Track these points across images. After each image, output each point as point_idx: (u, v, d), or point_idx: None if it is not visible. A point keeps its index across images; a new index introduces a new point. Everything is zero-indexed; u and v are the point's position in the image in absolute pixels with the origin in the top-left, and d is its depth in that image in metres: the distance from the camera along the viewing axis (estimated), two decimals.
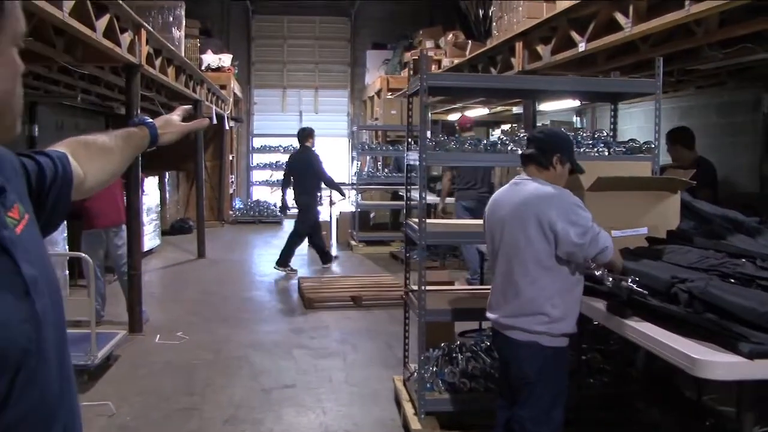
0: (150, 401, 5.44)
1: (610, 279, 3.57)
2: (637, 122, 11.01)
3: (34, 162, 1.52)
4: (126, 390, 5.63)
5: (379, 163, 15.82)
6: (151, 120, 2.08)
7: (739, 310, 2.91)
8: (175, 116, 2.21)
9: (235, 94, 17.06)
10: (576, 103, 11.12)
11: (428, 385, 4.79)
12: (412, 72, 5.90)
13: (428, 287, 4.72)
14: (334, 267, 11.56)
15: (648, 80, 4.75)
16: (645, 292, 3.37)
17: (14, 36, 1.20)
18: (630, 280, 3.48)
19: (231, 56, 16.76)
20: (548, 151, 3.70)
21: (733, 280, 3.35)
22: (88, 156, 1.78)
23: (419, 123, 4.57)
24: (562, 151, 3.73)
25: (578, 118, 13.36)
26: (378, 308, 8.52)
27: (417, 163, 4.70)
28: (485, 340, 5.49)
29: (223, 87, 15.36)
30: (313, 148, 11.48)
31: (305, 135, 11.46)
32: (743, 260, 3.59)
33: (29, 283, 1.19)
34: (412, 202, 5.47)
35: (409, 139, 5.42)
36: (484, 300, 5.18)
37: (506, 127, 15.12)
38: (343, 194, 12.04)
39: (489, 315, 3.89)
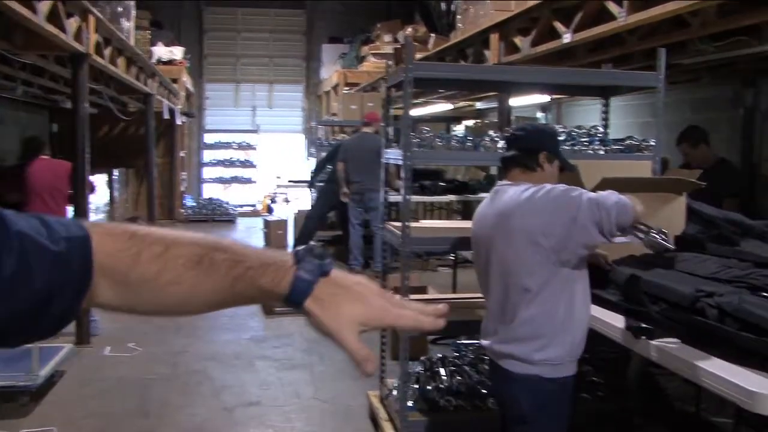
0: (100, 425, 4.93)
1: (641, 235, 3.03)
2: (611, 118, 10.70)
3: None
4: (73, 412, 5.09)
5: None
6: (320, 268, 1.10)
7: None
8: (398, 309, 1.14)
9: (186, 88, 16.45)
10: (545, 98, 10.81)
11: (411, 404, 4.37)
12: (393, 63, 5.46)
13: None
14: None
15: (650, 73, 4.39)
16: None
17: None
18: (657, 231, 3.03)
19: (183, 49, 16.13)
20: (533, 149, 3.23)
21: (766, 294, 3.01)
22: (127, 269, 1.02)
23: (404, 117, 4.14)
24: (549, 148, 3.26)
25: (543, 114, 13.05)
26: None
27: (399, 161, 4.29)
28: (468, 353, 5.11)
29: (174, 81, 14.75)
30: None
31: None
32: None
33: None
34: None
35: (389, 136, 4.99)
36: (467, 310, 4.84)
37: (470, 123, 14.83)
38: None
39: (483, 342, 3.40)
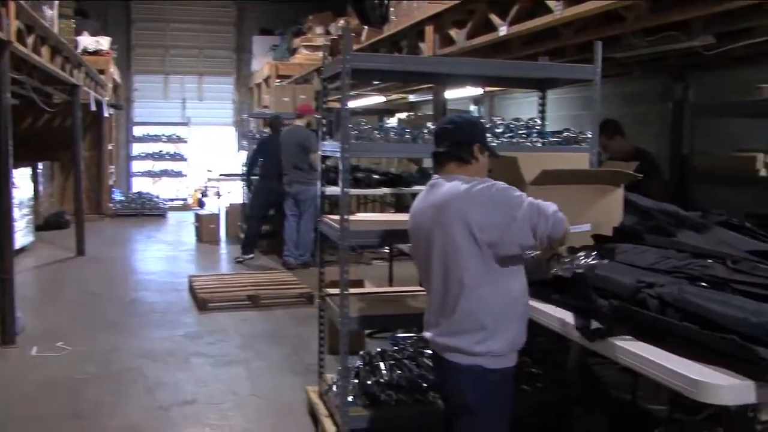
0: (29, 429, 4.76)
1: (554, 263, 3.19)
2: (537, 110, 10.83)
3: None
4: None
5: None
6: None
7: (727, 320, 2.56)
8: None
9: (114, 79, 16.04)
10: (478, 90, 10.86)
11: (351, 399, 4.32)
12: (328, 54, 5.39)
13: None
14: (227, 264, 10.94)
15: (587, 66, 4.41)
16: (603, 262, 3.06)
17: None
18: (584, 254, 3.09)
19: (109, 39, 15.72)
20: (466, 142, 3.22)
21: (704, 284, 3.05)
22: None
23: (342, 109, 4.07)
24: (480, 139, 3.28)
25: (476, 107, 13.12)
26: (278, 308, 7.99)
27: (336, 153, 4.23)
28: (407, 346, 5.09)
29: (101, 71, 14.36)
30: None
31: None
32: (710, 261, 3.29)
33: None
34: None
35: (324, 128, 4.92)
36: (403, 303, 4.79)
37: (403, 115, 14.82)
38: None
39: (425, 334, 3.38)
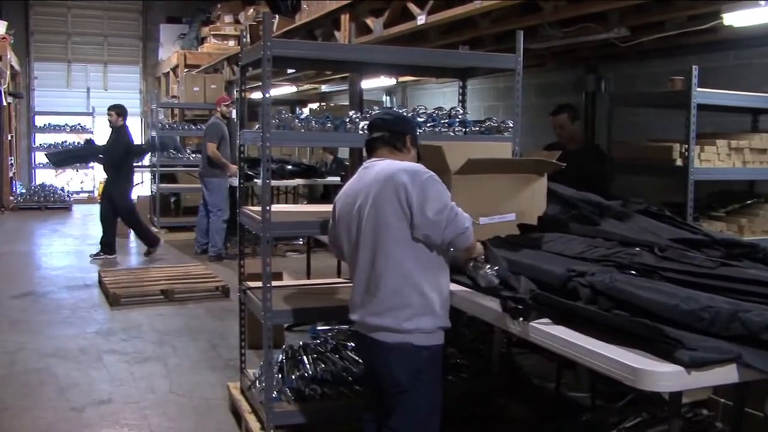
0: None
1: (470, 265, 3.24)
2: (452, 102, 10.88)
3: None
4: None
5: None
6: None
7: (659, 307, 2.58)
8: None
9: (11, 66, 15.37)
10: (391, 81, 10.83)
11: (275, 395, 4.22)
12: (247, 40, 5.24)
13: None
14: (136, 258, 10.64)
15: (509, 55, 4.40)
16: (500, 284, 3.09)
17: None
18: (489, 268, 3.14)
19: (5, 23, 15.09)
20: (400, 132, 3.43)
21: (633, 272, 3.07)
22: None
23: (264, 98, 3.95)
24: (412, 133, 3.50)
25: (388, 98, 13.10)
26: (192, 302, 7.80)
27: (257, 143, 4.12)
28: (329, 339, 5.02)
29: None
30: None
31: None
32: (637, 249, 3.33)
33: None
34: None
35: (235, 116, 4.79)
36: (331, 297, 4.69)
37: (314, 106, 14.69)
38: None
39: (352, 316, 3.43)
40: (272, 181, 9.58)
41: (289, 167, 10.89)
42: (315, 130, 4.22)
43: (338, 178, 10.67)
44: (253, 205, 8.71)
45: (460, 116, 4.51)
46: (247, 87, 12.67)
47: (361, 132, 4.19)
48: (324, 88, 13.84)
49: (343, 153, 11.59)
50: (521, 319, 2.88)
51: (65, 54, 19.01)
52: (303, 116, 4.31)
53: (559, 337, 2.67)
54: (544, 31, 5.90)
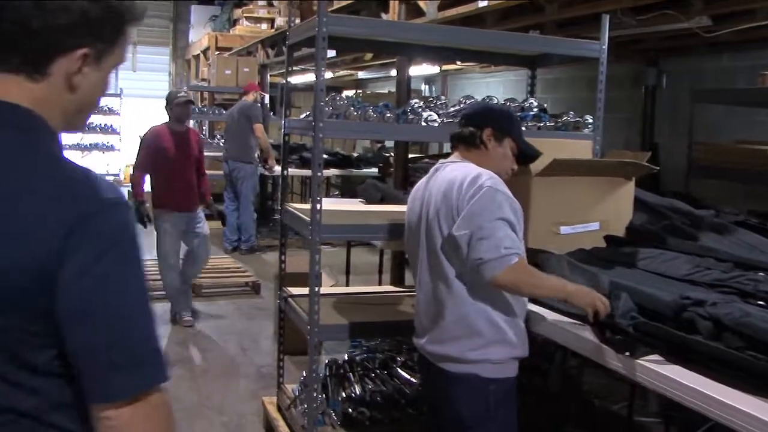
0: None
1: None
2: (495, 92, 10.34)
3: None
4: None
5: (204, 127, 14.32)
6: None
7: None
8: None
9: None
10: (434, 69, 10.32)
11: (319, 417, 3.74)
12: (295, 19, 4.75)
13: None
14: None
15: (593, 42, 3.89)
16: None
17: (115, 64, 1.38)
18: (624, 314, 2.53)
19: None
20: (477, 125, 2.85)
21: (762, 302, 2.56)
22: None
23: (317, 82, 3.45)
24: (496, 126, 2.86)
25: (426, 86, 12.57)
26: (221, 298, 7.34)
27: (308, 133, 3.64)
28: (375, 353, 4.52)
29: None
30: None
31: None
32: (761, 273, 2.80)
33: None
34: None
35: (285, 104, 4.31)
36: (389, 309, 4.11)
37: (350, 93, 14.18)
38: None
39: (415, 341, 2.97)
40: (301, 171, 9.10)
41: (325, 156, 10.39)
42: (372, 120, 3.72)
43: (375, 170, 10.13)
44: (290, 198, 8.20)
45: (534, 109, 3.98)
46: (278, 72, 12.07)
47: (424, 123, 3.70)
48: (361, 74, 13.33)
49: (391, 143, 10.92)
50: (627, 353, 2.40)
51: None
52: (358, 103, 3.80)
53: (681, 384, 2.18)
54: (616, 18, 5.36)
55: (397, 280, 5.83)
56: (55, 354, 1.23)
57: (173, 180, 6.06)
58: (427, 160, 7.70)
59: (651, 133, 7.60)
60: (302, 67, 12.11)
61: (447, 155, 3.10)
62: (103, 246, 1.20)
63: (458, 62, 8.31)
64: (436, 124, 3.69)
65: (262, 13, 15.19)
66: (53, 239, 1.16)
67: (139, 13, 1.39)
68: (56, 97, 1.31)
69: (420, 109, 3.78)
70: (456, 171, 2.75)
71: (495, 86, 10.25)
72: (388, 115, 3.75)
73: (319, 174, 3.53)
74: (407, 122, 3.75)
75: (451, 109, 3.83)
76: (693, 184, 5.35)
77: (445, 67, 10.48)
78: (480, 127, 2.83)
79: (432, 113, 3.70)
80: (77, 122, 1.39)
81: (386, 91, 12.87)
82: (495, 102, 4.10)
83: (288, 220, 4.06)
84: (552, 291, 2.63)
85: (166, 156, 6.10)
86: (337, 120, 3.63)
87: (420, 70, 10.39)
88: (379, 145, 11.81)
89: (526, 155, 3.00)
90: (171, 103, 6.23)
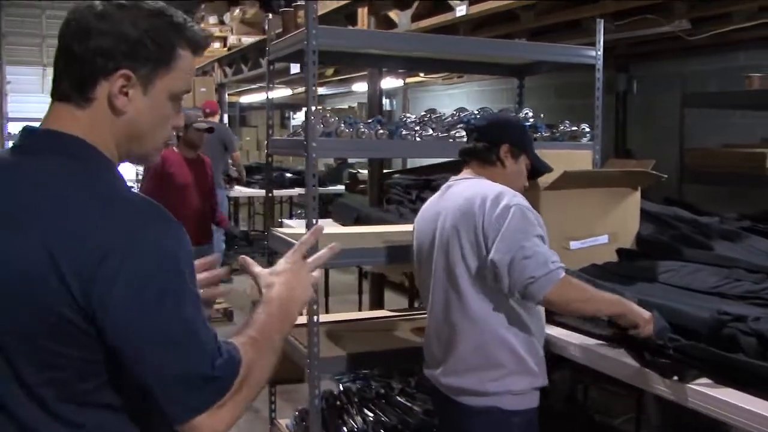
0: None
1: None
2: (458, 104, 10.22)
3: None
4: None
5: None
6: None
7: None
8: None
9: None
10: (398, 82, 10.17)
11: None
12: (277, 30, 4.55)
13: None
14: None
15: (588, 48, 3.77)
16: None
17: (171, 89, 1.34)
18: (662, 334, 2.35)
19: None
20: (492, 140, 2.67)
21: None
22: None
23: (308, 99, 3.26)
24: (513, 141, 2.69)
25: (387, 100, 12.40)
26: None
27: (298, 153, 3.44)
28: (371, 381, 4.32)
29: None
30: None
31: None
32: None
33: None
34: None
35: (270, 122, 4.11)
36: (388, 334, 3.85)
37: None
38: None
39: (427, 373, 2.77)
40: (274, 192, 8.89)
41: (289, 175, 10.17)
42: (367, 137, 3.52)
43: (341, 187, 9.89)
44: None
45: (531, 119, 3.83)
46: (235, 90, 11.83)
47: (419, 139, 3.53)
48: (321, 90, 13.12)
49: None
50: (675, 378, 2.25)
51: (40, 57, 18.16)
52: (349, 120, 3.60)
53: (746, 410, 2.02)
54: (592, 25, 5.27)
55: (376, 302, 5.65)
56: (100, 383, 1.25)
57: (183, 210, 5.22)
58: (397, 176, 7.54)
59: (624, 139, 7.54)
60: (259, 85, 11.92)
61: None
62: (144, 273, 1.19)
63: (425, 74, 8.15)
64: (431, 140, 3.52)
65: (215, 31, 14.94)
66: (92, 265, 1.16)
67: (191, 35, 1.36)
68: (103, 123, 1.31)
69: (413, 124, 3.61)
70: (472, 188, 2.58)
71: (459, 97, 10.11)
72: (381, 131, 3.56)
73: (314, 197, 3.33)
74: (402, 138, 3.57)
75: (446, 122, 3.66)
76: (682, 189, 5.27)
77: (407, 80, 10.33)
78: (496, 143, 2.67)
79: (428, 128, 3.52)
80: (135, 150, 1.37)
81: (346, 106, 12.70)
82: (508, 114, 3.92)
83: (277, 246, 3.83)
84: (608, 304, 2.42)
85: (175, 184, 5.49)
86: (330, 138, 3.43)
87: (383, 83, 10.24)
88: (340, 161, 11.60)
89: (537, 171, 2.85)
90: (187, 126, 5.54)
